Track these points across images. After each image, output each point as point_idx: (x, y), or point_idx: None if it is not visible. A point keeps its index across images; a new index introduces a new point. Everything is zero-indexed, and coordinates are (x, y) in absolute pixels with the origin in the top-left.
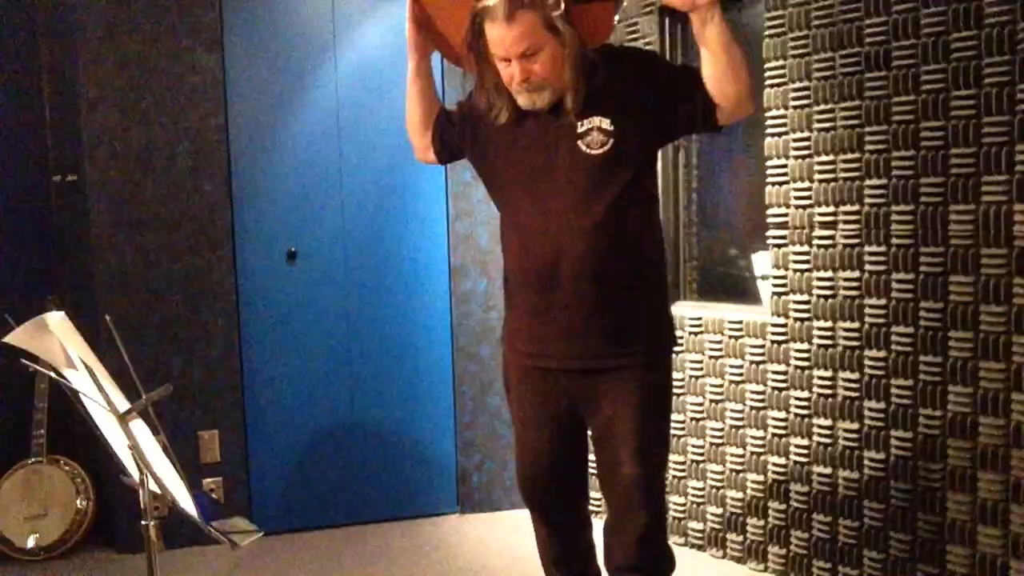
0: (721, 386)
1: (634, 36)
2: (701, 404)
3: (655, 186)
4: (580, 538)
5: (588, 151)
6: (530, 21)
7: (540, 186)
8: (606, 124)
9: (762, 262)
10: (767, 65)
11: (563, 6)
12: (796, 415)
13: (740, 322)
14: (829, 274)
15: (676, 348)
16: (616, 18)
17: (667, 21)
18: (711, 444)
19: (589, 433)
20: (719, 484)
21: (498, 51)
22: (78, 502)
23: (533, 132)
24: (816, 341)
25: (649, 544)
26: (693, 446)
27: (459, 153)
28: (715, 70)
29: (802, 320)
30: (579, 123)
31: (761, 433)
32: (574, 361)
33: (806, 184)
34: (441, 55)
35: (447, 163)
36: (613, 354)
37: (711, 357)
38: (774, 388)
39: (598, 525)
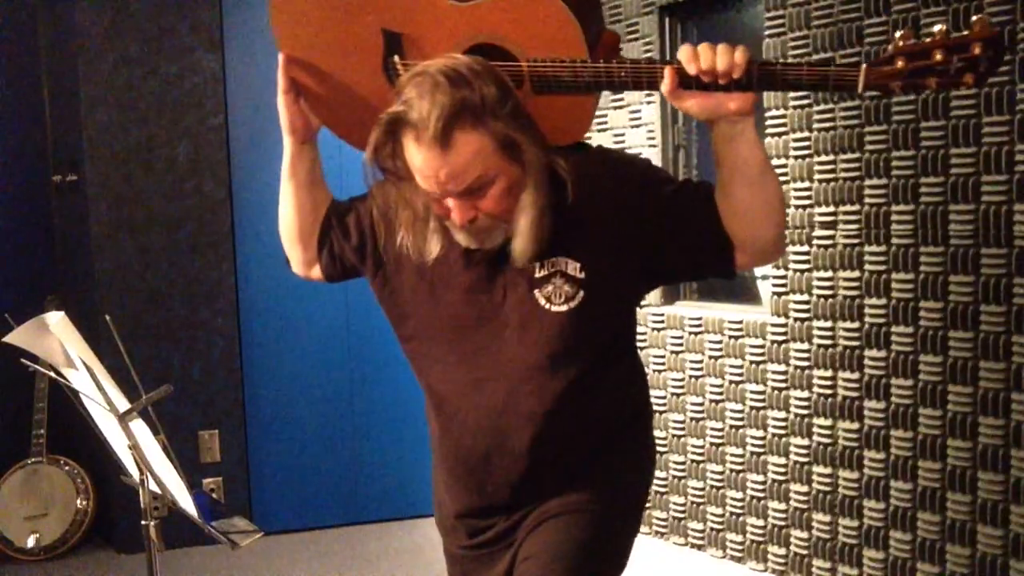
0: (721, 386)
1: (633, 36)
2: (701, 404)
3: (635, 335)
4: None
5: (548, 307)
6: (477, 144)
7: (473, 349)
8: (574, 269)
9: None
10: None
11: (517, 105)
12: (796, 415)
13: (740, 322)
14: (829, 274)
15: (666, 355)
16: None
17: (667, 21)
18: (711, 444)
19: None
20: (719, 484)
21: (427, 183)
22: (78, 502)
23: (471, 272)
24: (816, 341)
25: None
26: (693, 446)
27: (355, 273)
28: (745, 202)
29: (802, 320)
30: (537, 265)
31: (761, 433)
32: (505, 531)
33: (806, 184)
34: (334, 132)
35: (337, 282)
36: (564, 492)
37: (711, 357)
38: (774, 388)
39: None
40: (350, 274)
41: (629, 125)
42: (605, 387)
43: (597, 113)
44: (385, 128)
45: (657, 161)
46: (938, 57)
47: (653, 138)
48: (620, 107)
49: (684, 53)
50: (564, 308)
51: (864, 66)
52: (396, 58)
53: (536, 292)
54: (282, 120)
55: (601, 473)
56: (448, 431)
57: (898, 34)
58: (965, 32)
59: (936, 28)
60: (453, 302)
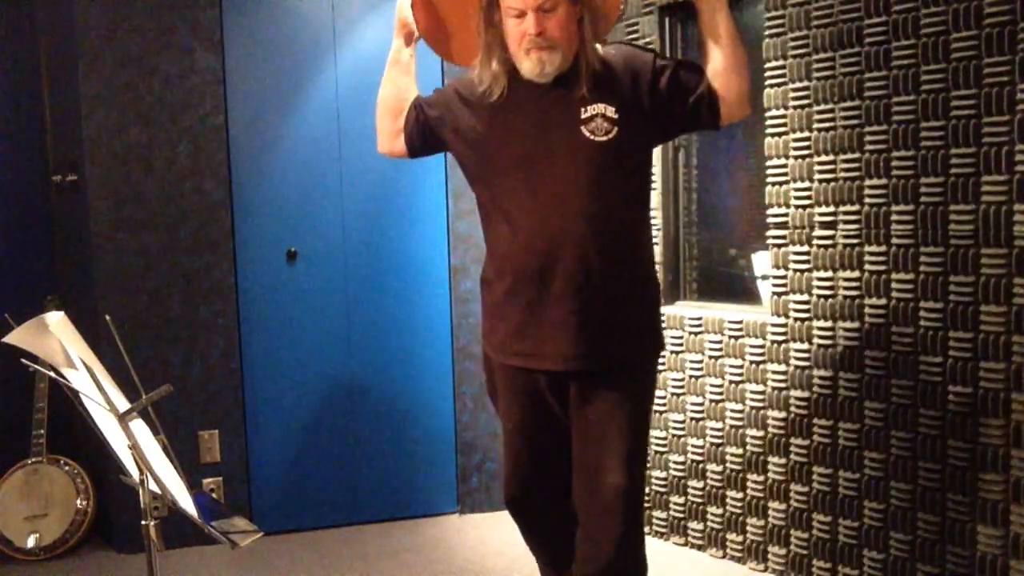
0: (721, 386)
1: (634, 36)
2: (701, 404)
3: (650, 188)
4: (572, 537)
5: (592, 137)
6: None
7: (536, 173)
8: (611, 112)
9: (762, 262)
10: (767, 65)
11: None
12: (796, 415)
13: (740, 322)
14: (829, 274)
15: (665, 352)
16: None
17: (667, 21)
18: (711, 444)
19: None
20: (719, 484)
21: (514, 1)
22: (78, 502)
23: (530, 114)
24: (816, 341)
25: (625, 553)
26: (693, 446)
27: (433, 141)
28: (722, 63)
29: (802, 320)
30: (582, 109)
31: (761, 433)
32: (564, 362)
33: (806, 184)
34: (426, 41)
35: (416, 155)
36: (604, 356)
37: (711, 357)
38: (774, 388)
39: None
40: (427, 146)
41: None
42: (630, 209)
43: None
44: None
45: (656, 160)
46: None
47: None
48: None
49: None
50: (604, 139)
51: None
52: None
53: (583, 128)
54: (398, 19)
55: (633, 333)
56: (519, 238)
57: None
58: None
59: None
60: (518, 137)
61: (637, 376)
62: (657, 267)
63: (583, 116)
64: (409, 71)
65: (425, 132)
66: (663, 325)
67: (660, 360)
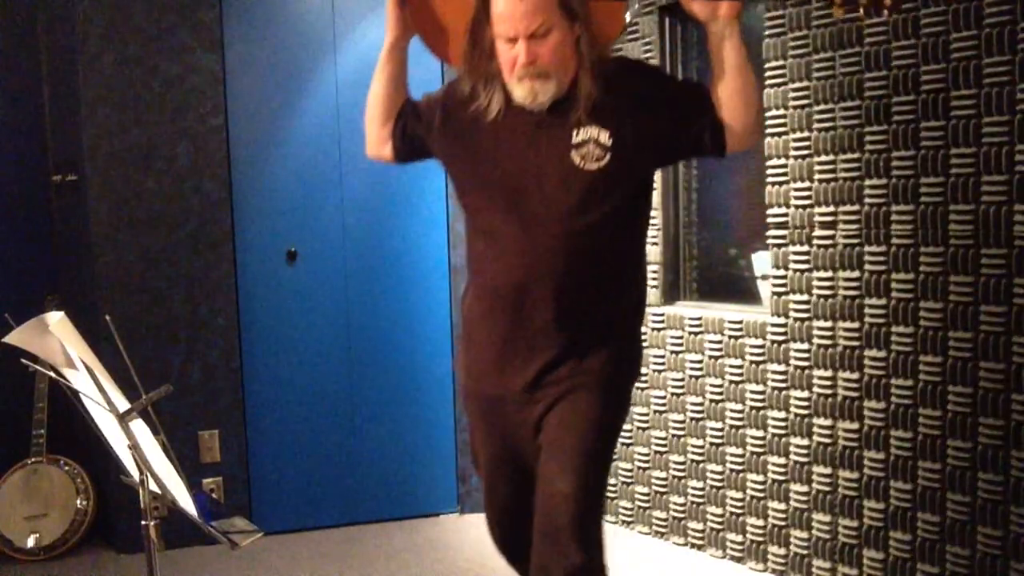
0: (721, 386)
1: (634, 36)
2: (701, 404)
3: (648, 210)
4: None
5: (581, 165)
6: None
7: (520, 195)
8: (604, 138)
9: (762, 262)
10: (767, 65)
11: None
12: (796, 415)
13: (740, 322)
14: (829, 274)
15: (663, 353)
16: (627, 17)
17: (667, 21)
18: (711, 444)
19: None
20: (719, 484)
21: (504, 28)
22: (78, 502)
23: (520, 134)
24: (816, 341)
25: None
26: (693, 446)
27: (422, 150)
28: (729, 91)
29: (802, 320)
30: (575, 132)
31: (761, 433)
32: (534, 383)
33: (806, 184)
34: (423, 40)
35: (404, 161)
36: (576, 372)
37: (711, 357)
38: (774, 388)
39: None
40: (415, 153)
41: None
42: (618, 237)
43: None
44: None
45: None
46: None
47: None
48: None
49: None
50: (595, 167)
51: None
52: None
53: (573, 153)
54: (388, 16)
55: (607, 354)
56: (497, 261)
57: None
58: None
59: None
60: (506, 157)
61: (607, 388)
62: (657, 267)
63: (574, 141)
64: (401, 72)
65: (414, 141)
66: (641, 353)
67: (639, 380)
